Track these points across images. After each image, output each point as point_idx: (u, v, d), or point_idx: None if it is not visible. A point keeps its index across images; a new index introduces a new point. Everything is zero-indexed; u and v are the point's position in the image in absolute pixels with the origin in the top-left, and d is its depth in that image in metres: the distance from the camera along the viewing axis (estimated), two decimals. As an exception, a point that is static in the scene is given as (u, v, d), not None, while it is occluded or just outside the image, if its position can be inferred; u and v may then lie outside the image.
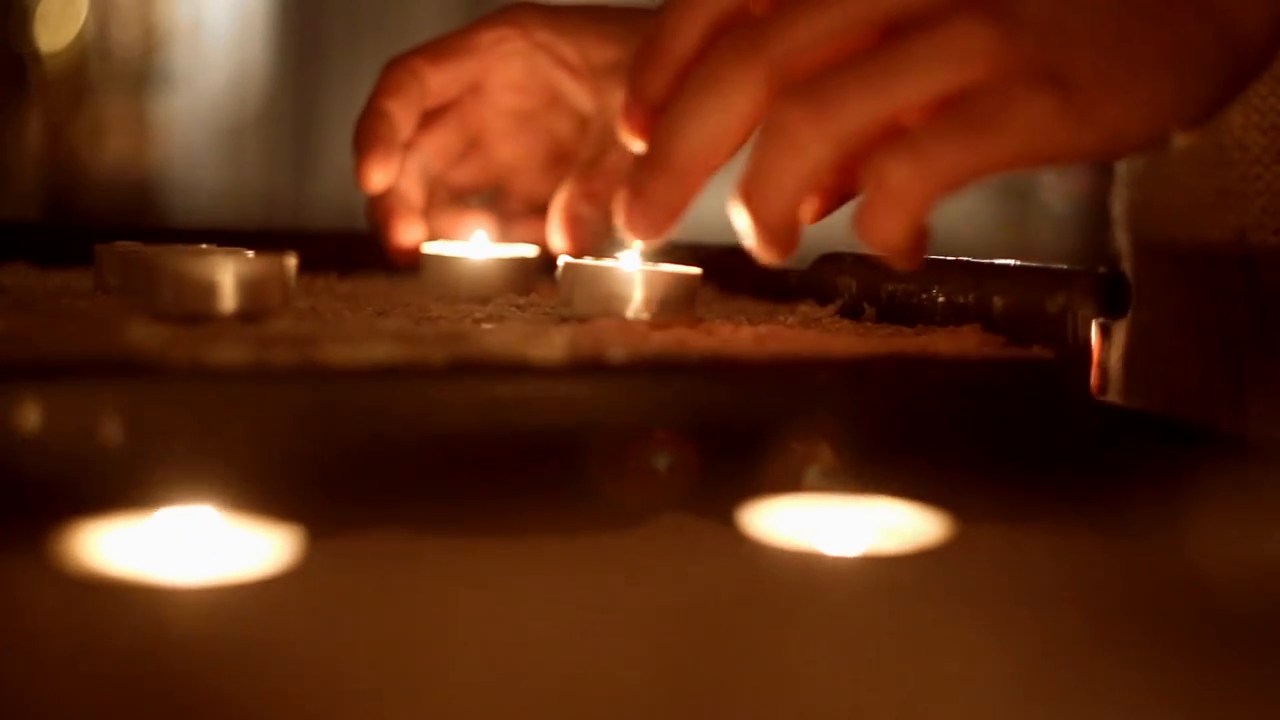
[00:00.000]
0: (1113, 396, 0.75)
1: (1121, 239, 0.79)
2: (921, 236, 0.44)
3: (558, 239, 0.67)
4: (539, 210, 0.73)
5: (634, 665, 0.30)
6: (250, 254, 0.50)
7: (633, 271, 0.54)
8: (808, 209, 0.47)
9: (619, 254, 0.56)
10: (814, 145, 0.43)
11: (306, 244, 0.60)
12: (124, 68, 3.33)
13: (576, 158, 0.72)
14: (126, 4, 3.34)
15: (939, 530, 0.37)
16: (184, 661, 0.28)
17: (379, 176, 0.67)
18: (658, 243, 0.48)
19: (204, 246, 0.58)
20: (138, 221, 3.01)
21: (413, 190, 0.69)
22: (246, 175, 3.33)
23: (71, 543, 0.33)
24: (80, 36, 3.28)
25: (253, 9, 3.37)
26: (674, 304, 0.54)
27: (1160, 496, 0.45)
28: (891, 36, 0.44)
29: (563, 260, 0.56)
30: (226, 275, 0.48)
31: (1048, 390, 0.49)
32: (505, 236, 0.70)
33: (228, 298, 0.48)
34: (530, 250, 0.64)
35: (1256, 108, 0.70)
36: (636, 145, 0.48)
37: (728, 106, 0.45)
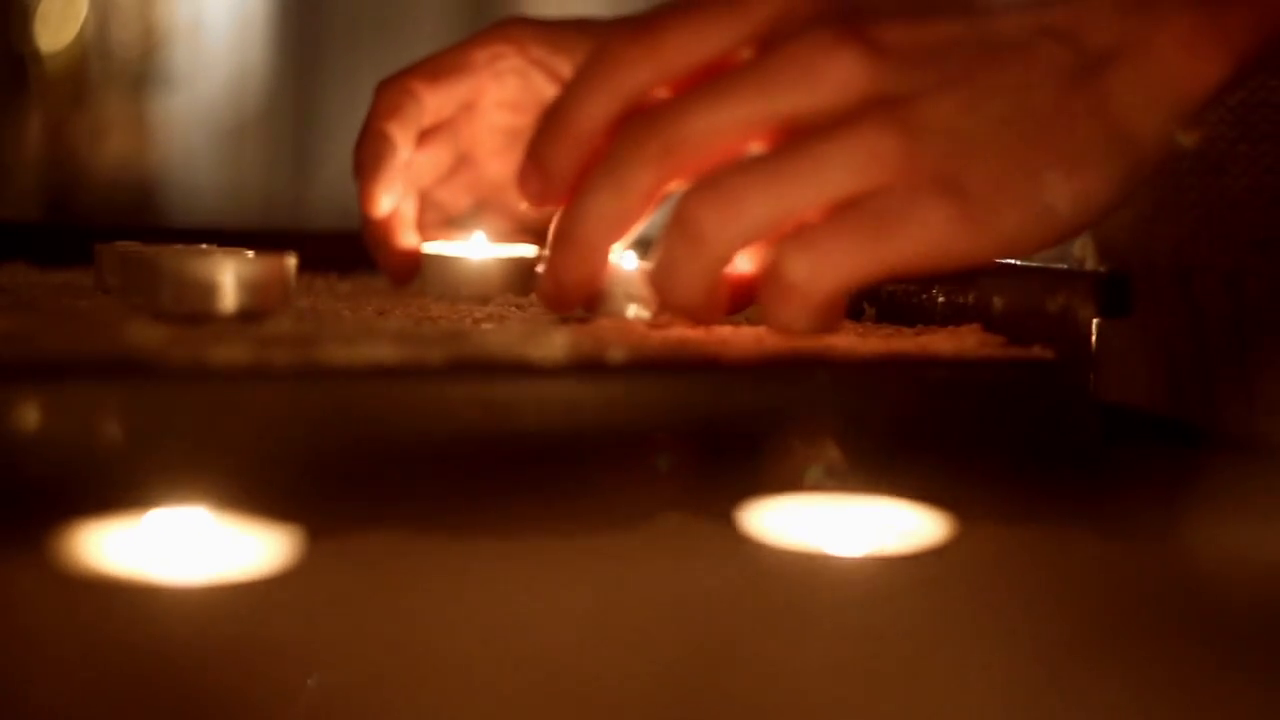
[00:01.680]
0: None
1: (1076, 245, 0.79)
2: (830, 316, 0.47)
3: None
4: (528, 229, 0.73)
5: (634, 665, 0.30)
6: (250, 254, 0.50)
7: (632, 271, 0.54)
8: (727, 288, 0.49)
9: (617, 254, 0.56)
10: (717, 240, 0.46)
11: (306, 244, 0.60)
12: (124, 68, 3.33)
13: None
14: (126, 4, 3.34)
15: (939, 530, 0.37)
16: (184, 662, 0.28)
17: (385, 201, 0.66)
18: (572, 311, 0.52)
19: (204, 246, 0.58)
20: (138, 221, 3.01)
21: (408, 210, 0.69)
22: (246, 175, 3.33)
23: (71, 543, 0.33)
24: (80, 36, 3.28)
25: (253, 9, 3.37)
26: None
27: (1160, 496, 0.45)
28: (796, 136, 0.46)
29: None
30: (226, 275, 0.48)
31: (1048, 390, 0.49)
32: None
33: (228, 298, 0.48)
34: (530, 250, 0.64)
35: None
36: (525, 206, 0.52)
37: (625, 193, 0.47)
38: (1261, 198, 0.68)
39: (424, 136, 0.70)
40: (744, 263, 0.50)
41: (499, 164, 0.73)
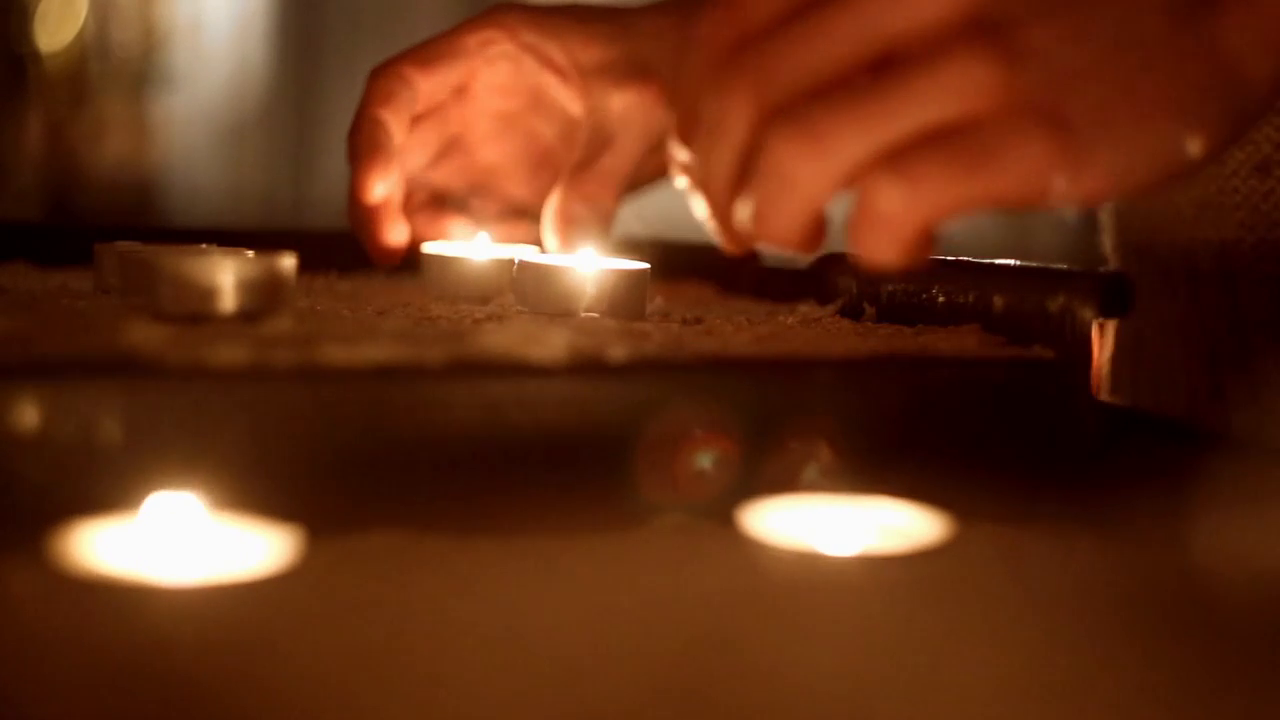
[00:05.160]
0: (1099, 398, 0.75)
1: (1107, 244, 0.79)
2: (920, 249, 0.44)
3: (552, 239, 0.67)
4: (518, 212, 0.73)
5: (634, 665, 0.30)
6: (250, 254, 0.50)
7: (582, 269, 0.55)
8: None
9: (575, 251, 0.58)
10: (809, 183, 0.43)
11: (306, 244, 0.60)
12: (124, 68, 3.33)
13: (561, 160, 0.72)
14: (126, 4, 3.34)
15: (939, 530, 0.37)
16: (183, 661, 0.28)
17: (380, 187, 0.66)
18: (747, 250, 0.48)
19: (204, 246, 0.58)
20: (138, 221, 3.01)
21: (396, 195, 0.69)
22: (246, 175, 3.34)
23: (70, 543, 0.33)
24: (80, 36, 3.28)
25: (253, 9, 3.37)
26: (624, 300, 0.56)
27: (1160, 496, 0.45)
28: (888, 66, 0.44)
29: (517, 260, 0.58)
30: (226, 275, 0.48)
31: (1048, 390, 0.49)
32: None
33: (228, 298, 0.48)
34: (530, 251, 0.64)
35: None
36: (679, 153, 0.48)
37: (731, 144, 0.45)
38: None
39: (415, 121, 0.70)
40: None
41: (490, 148, 0.73)
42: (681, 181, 0.48)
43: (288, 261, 0.50)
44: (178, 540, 0.34)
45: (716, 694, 0.29)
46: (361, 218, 0.68)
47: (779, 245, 0.46)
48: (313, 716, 0.28)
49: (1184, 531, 0.39)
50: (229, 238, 0.62)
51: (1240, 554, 0.37)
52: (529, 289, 0.57)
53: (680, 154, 0.47)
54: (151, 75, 3.35)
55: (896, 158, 0.43)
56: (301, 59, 3.32)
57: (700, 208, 0.47)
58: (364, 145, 0.67)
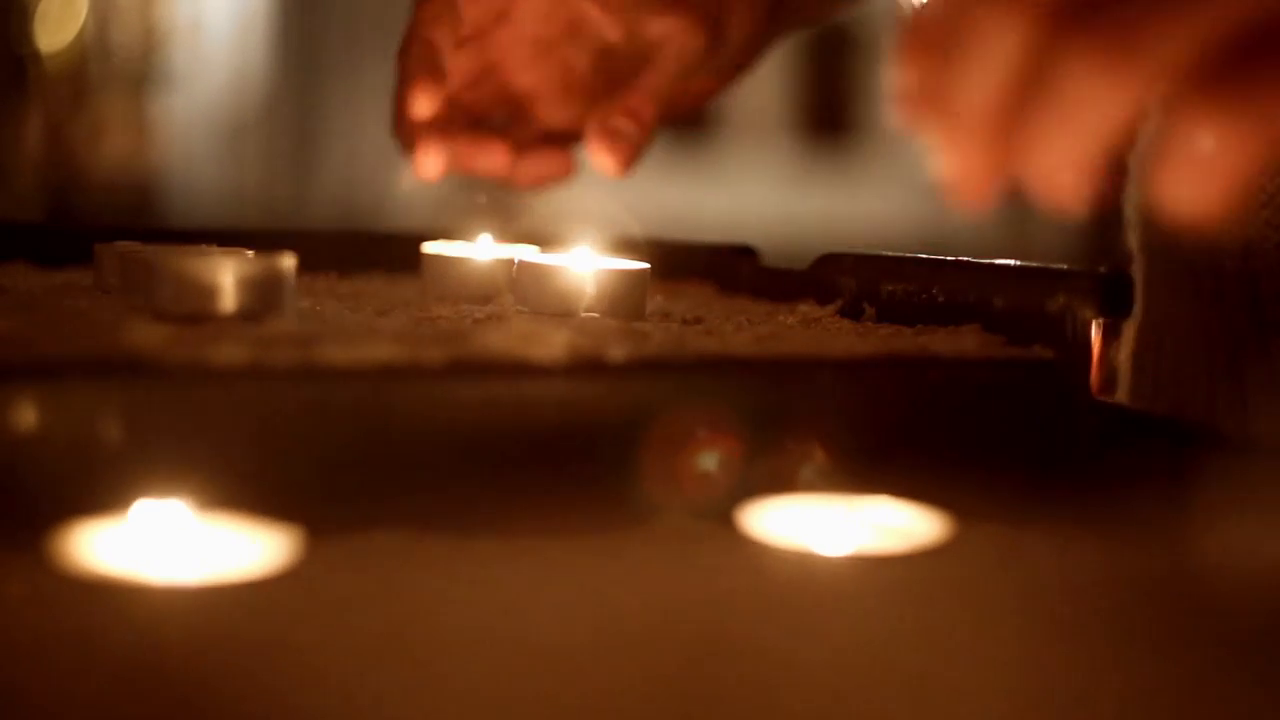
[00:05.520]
0: (1120, 396, 0.75)
1: (1132, 240, 0.78)
2: (1242, 196, 0.35)
3: (596, 154, 0.69)
4: (551, 138, 0.75)
5: (632, 664, 0.30)
6: (250, 254, 0.50)
7: (581, 269, 0.55)
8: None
9: (573, 251, 0.58)
10: (1108, 103, 0.35)
11: (306, 244, 0.60)
12: (124, 68, 3.34)
13: (594, 88, 0.74)
14: (126, 4, 3.34)
15: (938, 530, 0.37)
16: (183, 662, 0.28)
17: (425, 105, 0.68)
18: (985, 202, 0.40)
19: (204, 246, 0.58)
20: (138, 221, 3.01)
21: (440, 113, 0.71)
22: (246, 175, 3.34)
23: (70, 543, 0.33)
24: (80, 36, 3.29)
25: (253, 9, 3.38)
26: (624, 300, 0.56)
27: (1160, 496, 0.45)
28: None
29: (517, 260, 0.58)
30: (226, 275, 0.48)
31: (1048, 390, 0.49)
32: (518, 163, 0.73)
33: (228, 298, 0.48)
34: (531, 251, 0.64)
35: None
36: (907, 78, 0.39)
37: (1005, 63, 0.37)
38: None
39: (457, 44, 0.72)
40: None
41: (528, 74, 0.75)
42: (911, 115, 0.39)
43: (288, 261, 0.50)
44: (177, 540, 0.34)
45: (717, 694, 0.29)
46: (407, 134, 0.70)
47: (1052, 190, 0.37)
48: (313, 716, 0.28)
49: (1184, 532, 0.39)
50: (229, 238, 0.62)
51: (1240, 554, 0.37)
52: (529, 289, 0.57)
53: (913, 78, 0.39)
54: (151, 75, 3.35)
55: (1220, 72, 0.35)
56: (301, 60, 3.32)
57: (940, 144, 0.38)
58: (414, 64, 0.69)
